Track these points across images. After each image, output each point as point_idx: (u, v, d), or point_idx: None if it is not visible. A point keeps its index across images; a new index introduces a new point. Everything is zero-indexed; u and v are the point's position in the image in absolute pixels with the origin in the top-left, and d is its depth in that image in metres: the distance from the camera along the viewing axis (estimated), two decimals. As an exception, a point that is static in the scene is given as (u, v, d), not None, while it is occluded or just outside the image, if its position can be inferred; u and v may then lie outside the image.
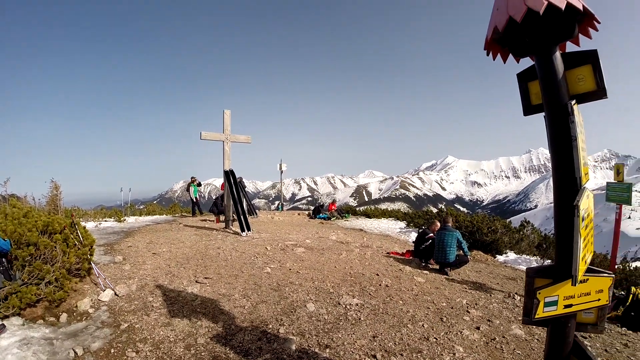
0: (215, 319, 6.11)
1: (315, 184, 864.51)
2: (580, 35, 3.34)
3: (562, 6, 2.85)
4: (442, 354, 5.52)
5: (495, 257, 14.78)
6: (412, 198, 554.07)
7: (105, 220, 17.24)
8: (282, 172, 33.19)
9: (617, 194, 9.86)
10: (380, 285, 8.75)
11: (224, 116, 15.48)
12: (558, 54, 3.18)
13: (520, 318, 7.38)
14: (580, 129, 3.13)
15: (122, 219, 17.89)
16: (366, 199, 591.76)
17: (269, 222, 20.01)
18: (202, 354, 5.01)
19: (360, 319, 6.59)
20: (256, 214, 23.26)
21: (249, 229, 14.52)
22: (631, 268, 15.53)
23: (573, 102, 2.97)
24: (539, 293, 3.26)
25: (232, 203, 15.17)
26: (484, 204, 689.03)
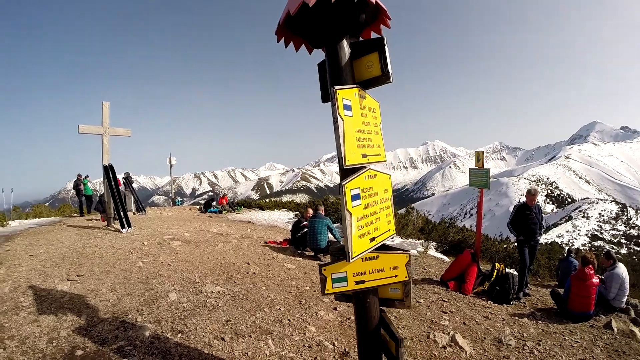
0: (79, 313, 6.14)
1: (216, 178, 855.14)
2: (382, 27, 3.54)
3: None
4: (292, 334, 5.77)
5: (380, 242, 15.23)
6: (314, 189, 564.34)
7: (-13, 226, 16.15)
8: (171, 166, 32.61)
9: (478, 179, 10.65)
10: (247, 273, 8.94)
11: (103, 108, 14.78)
12: (345, 43, 3.35)
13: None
14: (359, 112, 3.33)
15: (4, 222, 16.87)
16: (268, 192, 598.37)
17: (156, 218, 19.59)
18: (63, 345, 5.14)
19: (218, 305, 6.78)
20: (144, 210, 22.70)
21: (129, 226, 14.11)
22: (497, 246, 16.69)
23: (336, 87, 3.11)
24: (324, 269, 3.42)
25: (112, 200, 14.71)
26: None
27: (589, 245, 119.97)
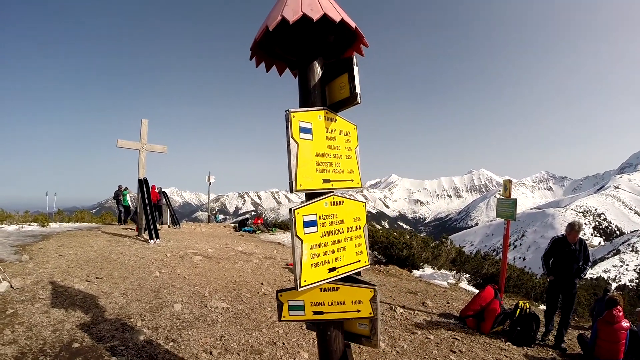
0: (87, 311, 6.64)
1: (260, 198, 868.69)
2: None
3: (337, 19, 3.01)
4: (282, 358, 5.69)
5: (411, 272, 14.92)
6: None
7: (30, 224, 17.09)
8: (210, 183, 32.98)
9: (504, 209, 9.90)
10: (258, 293, 8.91)
11: (142, 125, 15.38)
12: (317, 64, 3.33)
13: (389, 329, 7.51)
14: (324, 135, 3.22)
15: (45, 223, 17.60)
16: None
17: (188, 232, 19.76)
18: (64, 336, 5.61)
19: (218, 320, 6.89)
20: (179, 224, 22.94)
21: (157, 237, 14.35)
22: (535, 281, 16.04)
23: (291, 110, 3.03)
24: (281, 295, 3.35)
25: (143, 212, 14.97)
26: (427, 221, 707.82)
27: (638, 281, 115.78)
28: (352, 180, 3.49)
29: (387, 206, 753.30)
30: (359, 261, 3.51)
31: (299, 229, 2.99)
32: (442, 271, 15.78)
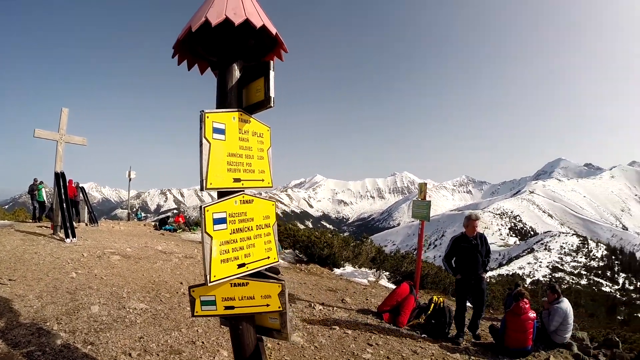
0: (1, 315, 6.18)
1: (182, 195, 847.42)
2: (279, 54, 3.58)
3: (258, 25, 3.11)
4: (201, 357, 5.67)
5: (332, 270, 15.14)
6: (280, 214, 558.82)
7: None
8: (130, 179, 31.95)
9: (420, 211, 10.33)
10: (177, 292, 8.76)
11: (61, 114, 14.57)
12: (236, 66, 3.43)
13: (308, 326, 7.63)
14: (237, 136, 3.32)
15: (-50, 224, 16.26)
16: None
17: (107, 231, 19.07)
18: None
19: (136, 321, 6.69)
20: (97, 222, 22.16)
21: (73, 236, 13.66)
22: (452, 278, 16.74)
23: (205, 111, 3.11)
24: (193, 291, 3.38)
25: (59, 208, 14.36)
26: (350, 221, 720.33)
27: (550, 276, 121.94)
28: (263, 180, 3.59)
29: (311, 206, 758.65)
30: (269, 257, 3.61)
31: (208, 226, 3.07)
32: (363, 269, 16.11)
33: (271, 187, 3.70)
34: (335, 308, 9.30)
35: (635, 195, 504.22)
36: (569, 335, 8.40)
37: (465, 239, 8.32)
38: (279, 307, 3.44)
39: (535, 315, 8.04)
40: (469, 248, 8.21)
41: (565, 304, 8.44)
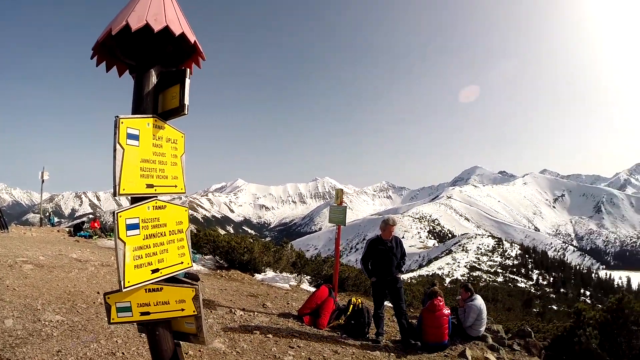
0: None
1: (99, 199, 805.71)
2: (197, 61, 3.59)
3: (177, 33, 3.13)
4: None
5: (253, 276, 15.08)
6: (201, 219, 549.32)
7: None
8: (43, 181, 30.35)
9: (336, 215, 10.57)
10: (94, 303, 8.45)
11: None
12: (153, 72, 3.41)
13: (229, 332, 7.55)
14: (151, 142, 3.30)
15: None
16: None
17: (17, 238, 18.19)
18: None
19: (53, 334, 6.36)
20: (7, 228, 20.99)
21: (-20, 244, 12.97)
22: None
23: (120, 116, 3.09)
24: (108, 298, 3.33)
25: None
26: (272, 226, 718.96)
27: (468, 275, 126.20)
28: (176, 186, 3.58)
29: (232, 211, 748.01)
30: (182, 263, 3.61)
31: (121, 232, 3.06)
32: (284, 274, 16.17)
33: (184, 193, 3.70)
34: (256, 313, 9.29)
35: (546, 199, 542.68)
36: (483, 328, 9.02)
37: (380, 241, 8.47)
38: (194, 311, 3.44)
39: (449, 311, 8.52)
40: (384, 250, 8.37)
41: (479, 301, 8.96)
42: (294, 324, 8.90)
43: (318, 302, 9.42)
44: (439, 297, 8.48)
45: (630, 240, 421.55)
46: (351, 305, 9.31)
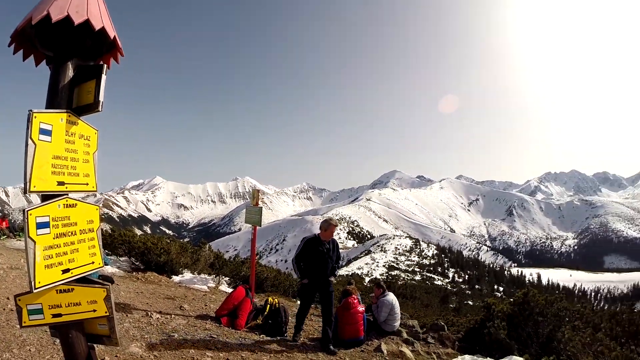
0: None
1: (7, 195, 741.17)
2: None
3: (97, 27, 3.11)
4: None
5: (170, 278, 14.77)
6: (116, 219, 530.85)
7: None
8: None
9: (252, 216, 10.61)
10: (4, 309, 7.88)
11: None
12: (70, 65, 3.32)
13: (146, 335, 7.39)
14: (64, 138, 3.23)
15: None
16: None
17: None
18: None
19: None
20: None
21: None
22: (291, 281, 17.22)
23: (34, 110, 3.01)
24: (19, 300, 3.22)
25: None
26: (190, 226, 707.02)
27: (387, 274, 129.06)
28: (87, 184, 3.51)
29: (149, 210, 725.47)
30: (93, 262, 3.53)
31: (31, 230, 2.97)
32: (202, 276, 15.94)
33: (95, 191, 3.63)
34: (173, 316, 9.11)
35: (461, 203, 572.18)
36: (397, 323, 9.39)
37: (319, 242, 8.07)
38: (106, 312, 3.38)
39: (364, 308, 8.86)
40: (321, 252, 7.99)
41: (391, 297, 9.33)
42: (212, 325, 8.82)
43: (235, 303, 9.39)
44: (353, 295, 8.83)
45: (540, 240, 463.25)
46: (268, 305, 9.36)
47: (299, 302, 10.38)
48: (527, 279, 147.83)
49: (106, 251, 14.64)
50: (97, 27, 3.09)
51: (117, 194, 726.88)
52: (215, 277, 15.83)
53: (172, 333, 7.73)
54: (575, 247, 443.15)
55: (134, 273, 14.33)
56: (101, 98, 3.23)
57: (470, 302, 78.96)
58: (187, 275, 15.74)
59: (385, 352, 8.03)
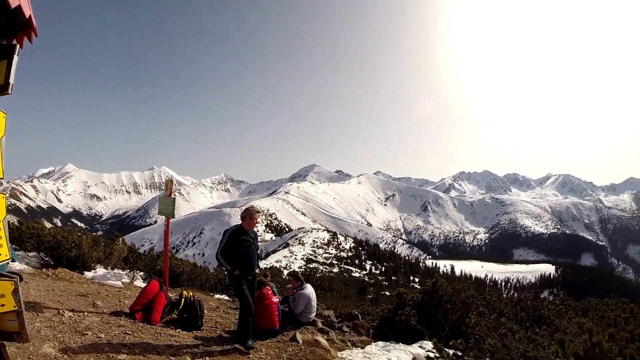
0: None
1: None
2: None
3: (14, 5, 2.98)
4: None
5: (82, 274, 14.19)
6: (24, 210, 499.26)
7: None
8: None
9: (166, 207, 10.35)
10: None
11: None
12: None
13: (59, 335, 7.14)
14: None
15: None
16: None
17: None
18: None
19: None
20: None
21: None
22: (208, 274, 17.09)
23: None
24: None
25: None
26: (104, 218, 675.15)
27: (305, 267, 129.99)
28: None
29: (60, 200, 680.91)
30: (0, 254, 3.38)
31: None
32: (116, 271, 15.43)
33: (2, 178, 3.41)
34: (86, 313, 8.80)
35: (378, 198, 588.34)
36: (313, 315, 9.62)
37: (243, 232, 7.87)
38: (14, 307, 3.24)
39: (278, 299, 9.11)
40: (248, 242, 7.86)
41: (308, 290, 9.53)
42: (127, 322, 8.60)
43: (149, 298, 9.17)
44: (267, 287, 9.03)
45: (453, 234, 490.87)
46: (183, 299, 9.25)
47: (217, 295, 10.28)
48: (441, 270, 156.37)
49: (13, 246, 13.86)
50: (14, 4, 2.96)
51: (26, 182, 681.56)
52: (130, 272, 15.38)
53: (85, 331, 7.49)
54: (487, 241, 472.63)
55: (44, 269, 13.65)
56: (12, 80, 3.08)
57: (387, 293, 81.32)
58: (100, 270, 15.20)
59: (300, 341, 8.22)
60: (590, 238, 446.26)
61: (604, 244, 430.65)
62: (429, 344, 8.19)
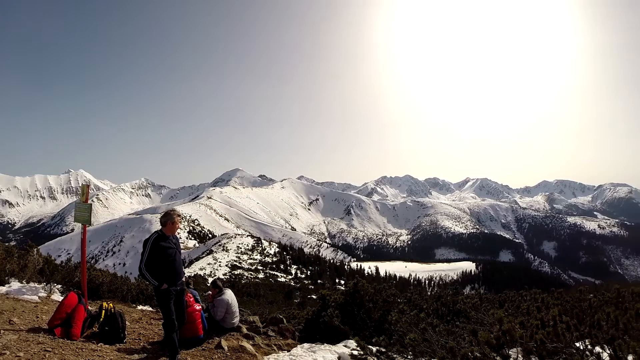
0: None
1: None
2: None
3: None
4: None
5: (-5, 289, 13.64)
6: None
7: None
8: None
9: (82, 214, 9.94)
10: None
11: None
12: None
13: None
14: None
15: None
16: None
17: None
18: None
19: None
20: None
21: None
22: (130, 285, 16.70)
23: None
24: None
25: None
26: (17, 227, 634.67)
27: (230, 274, 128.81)
28: None
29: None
30: None
31: None
32: (32, 284, 14.86)
33: None
34: (3, 331, 8.41)
35: (302, 203, 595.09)
36: (236, 320, 9.73)
37: (164, 238, 7.32)
38: None
39: (200, 307, 9.07)
40: (172, 249, 7.35)
41: (227, 296, 9.64)
42: (46, 338, 8.26)
43: (68, 311, 8.78)
44: (189, 294, 8.85)
45: (376, 237, 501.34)
46: (103, 311, 8.97)
47: (140, 307, 10.09)
48: (366, 272, 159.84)
49: None
50: None
51: None
52: (46, 285, 14.82)
53: (3, 351, 7.22)
54: (409, 242, 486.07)
55: (-48, 289, 13.03)
56: None
57: (314, 296, 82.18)
58: (15, 284, 14.59)
59: (226, 348, 8.30)
60: (508, 236, 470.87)
61: (520, 241, 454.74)
62: (353, 343, 8.45)
